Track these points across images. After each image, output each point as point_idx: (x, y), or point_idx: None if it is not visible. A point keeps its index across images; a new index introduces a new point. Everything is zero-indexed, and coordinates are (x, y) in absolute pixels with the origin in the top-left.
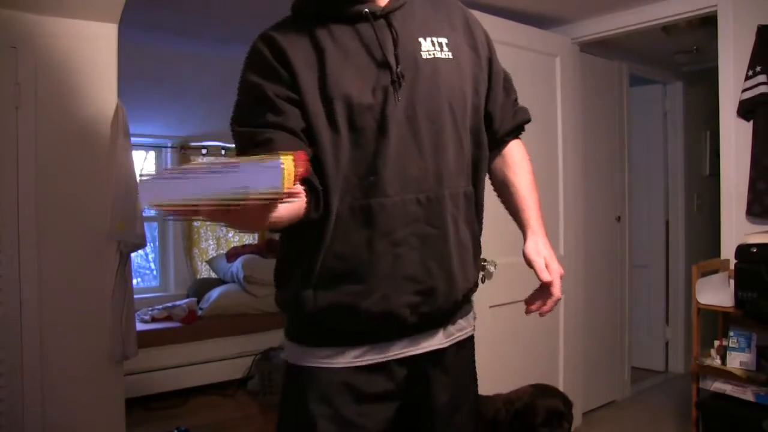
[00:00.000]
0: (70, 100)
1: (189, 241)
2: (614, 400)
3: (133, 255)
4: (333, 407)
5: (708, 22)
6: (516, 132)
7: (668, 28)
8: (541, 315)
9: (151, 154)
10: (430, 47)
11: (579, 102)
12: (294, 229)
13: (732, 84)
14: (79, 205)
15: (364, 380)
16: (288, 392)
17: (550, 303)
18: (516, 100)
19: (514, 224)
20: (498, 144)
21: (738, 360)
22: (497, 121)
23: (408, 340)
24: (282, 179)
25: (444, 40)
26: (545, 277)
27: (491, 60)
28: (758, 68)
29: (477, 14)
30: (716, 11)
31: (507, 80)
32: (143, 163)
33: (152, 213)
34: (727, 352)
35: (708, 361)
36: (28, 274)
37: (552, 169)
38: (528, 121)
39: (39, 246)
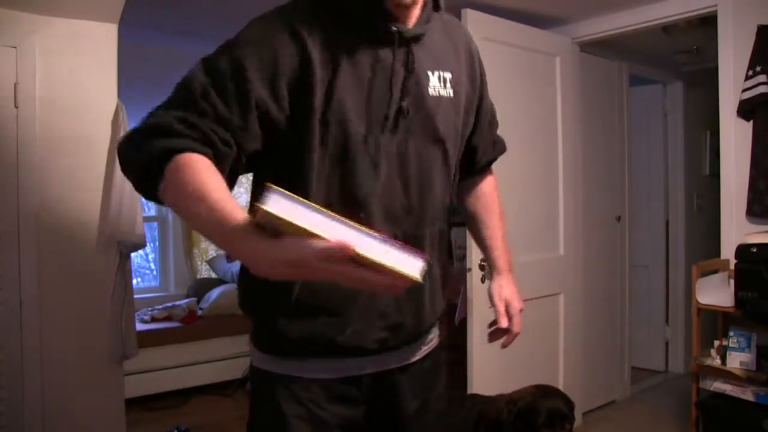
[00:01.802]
0: (70, 100)
1: (189, 241)
2: (614, 400)
3: (133, 255)
4: (306, 407)
5: (708, 22)
6: (491, 163)
7: (668, 28)
8: (502, 347)
9: None
10: (436, 83)
11: (579, 102)
12: None
13: (732, 84)
14: (80, 206)
15: (334, 385)
16: (258, 392)
17: (508, 338)
18: (496, 131)
19: (514, 225)
20: (473, 174)
21: (738, 360)
22: (479, 153)
23: (375, 363)
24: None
25: (448, 76)
26: (503, 323)
27: (483, 94)
28: (758, 68)
29: (477, 14)
30: (716, 11)
31: (493, 113)
32: None
33: (151, 212)
34: (727, 352)
35: (708, 361)
36: (28, 274)
37: (552, 169)
38: (504, 152)
39: (39, 246)
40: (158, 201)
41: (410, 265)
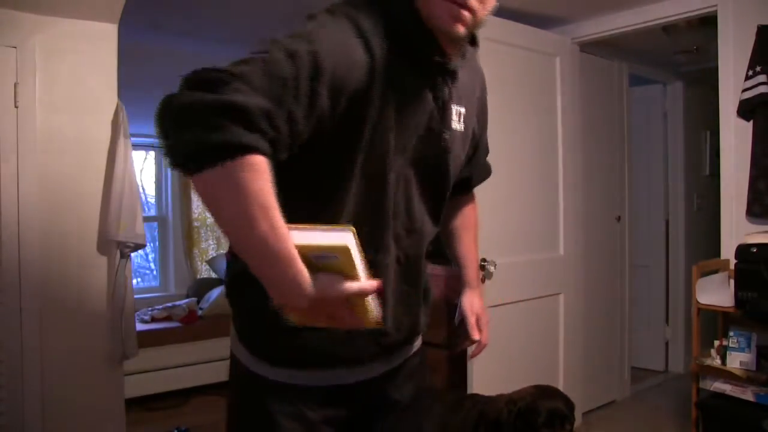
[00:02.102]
0: (70, 100)
1: (189, 241)
2: (614, 400)
3: (133, 255)
4: (295, 406)
5: (708, 22)
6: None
7: (668, 28)
8: (470, 358)
9: (151, 154)
10: (455, 117)
11: (579, 102)
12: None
13: (732, 84)
14: (80, 205)
15: (323, 391)
16: (242, 390)
17: (477, 349)
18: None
19: (514, 225)
20: (459, 195)
21: (738, 360)
22: (472, 181)
23: (366, 371)
24: None
25: (463, 110)
26: (475, 336)
27: (484, 128)
28: (758, 68)
29: None
30: (716, 11)
31: (486, 143)
32: (143, 163)
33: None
34: (727, 352)
35: (708, 361)
36: (29, 274)
37: (552, 169)
38: (489, 176)
39: (39, 246)
40: (184, 173)
41: (374, 310)
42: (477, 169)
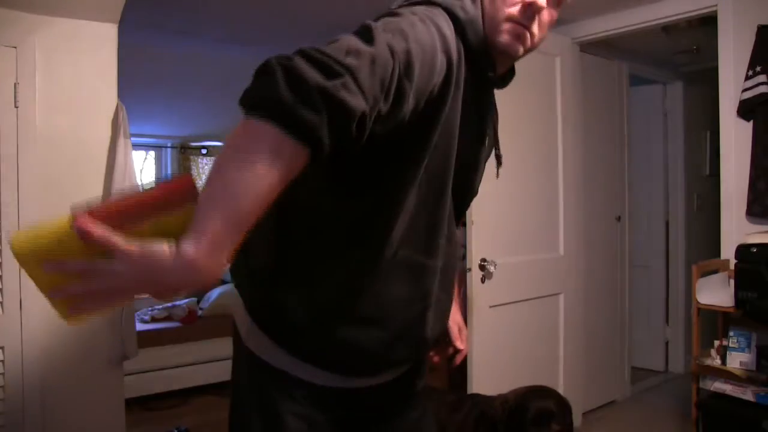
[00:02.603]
0: (70, 100)
1: None
2: (614, 400)
3: None
4: (303, 406)
5: (708, 22)
6: None
7: (668, 28)
8: (454, 366)
9: (151, 154)
10: (487, 134)
11: (579, 102)
12: (331, 250)
13: (732, 84)
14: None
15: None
16: (248, 378)
17: (459, 358)
18: None
19: (514, 225)
20: None
21: (738, 360)
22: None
23: (385, 377)
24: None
25: (490, 132)
26: (459, 345)
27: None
28: (758, 68)
29: None
30: (716, 11)
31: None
32: (143, 163)
33: None
34: (727, 352)
35: (708, 361)
36: None
37: (552, 169)
38: None
39: None
40: (247, 109)
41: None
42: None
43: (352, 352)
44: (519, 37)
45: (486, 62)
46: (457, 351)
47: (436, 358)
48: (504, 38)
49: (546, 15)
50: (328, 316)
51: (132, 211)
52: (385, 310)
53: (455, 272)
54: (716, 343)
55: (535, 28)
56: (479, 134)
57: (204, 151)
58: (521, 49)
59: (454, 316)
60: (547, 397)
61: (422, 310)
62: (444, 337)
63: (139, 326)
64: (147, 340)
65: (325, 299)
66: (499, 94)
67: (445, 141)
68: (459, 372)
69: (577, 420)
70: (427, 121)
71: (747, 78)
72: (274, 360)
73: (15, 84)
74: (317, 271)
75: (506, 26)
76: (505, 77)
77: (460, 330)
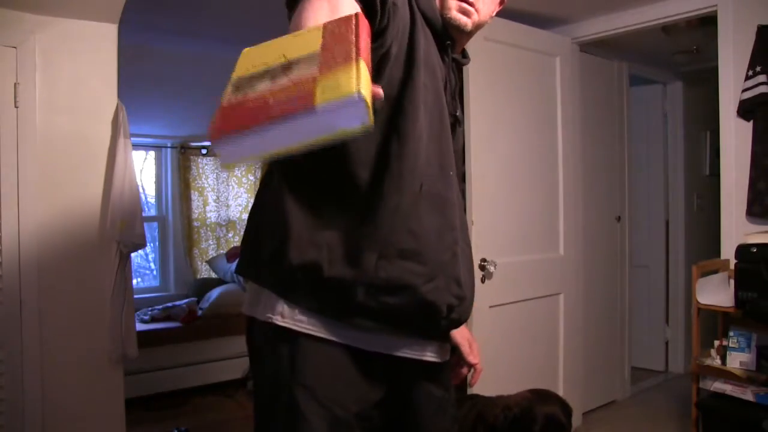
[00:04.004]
0: (70, 100)
1: (189, 241)
2: (614, 400)
3: (133, 255)
4: (328, 398)
5: (708, 22)
6: None
7: (668, 28)
8: (471, 385)
9: (151, 154)
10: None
11: (579, 102)
12: (374, 175)
13: (732, 84)
14: (80, 205)
15: (364, 376)
16: (270, 365)
17: (476, 377)
18: None
19: (514, 225)
20: None
21: (738, 360)
22: None
23: (417, 344)
24: (368, 112)
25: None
26: (473, 360)
27: None
28: (758, 68)
29: None
30: (716, 11)
31: None
32: (143, 163)
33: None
34: (727, 352)
35: (708, 361)
36: (28, 274)
37: (552, 169)
38: None
39: (39, 246)
40: None
41: (349, 116)
42: None
43: (400, 295)
44: (465, 12)
45: (444, 34)
46: (471, 368)
47: (455, 380)
48: (452, 14)
49: None
50: (369, 258)
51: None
52: (421, 242)
53: (467, 227)
54: (716, 343)
55: (479, 3)
56: (453, 98)
57: (204, 151)
58: (469, 23)
59: (462, 332)
60: (552, 403)
61: (452, 244)
62: (457, 359)
63: (139, 326)
64: (147, 340)
65: (362, 240)
66: (499, 95)
67: (431, 79)
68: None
69: (577, 420)
70: (410, 50)
71: (747, 78)
72: (295, 321)
73: (15, 84)
74: (348, 219)
75: (453, 3)
76: (466, 60)
77: (470, 344)
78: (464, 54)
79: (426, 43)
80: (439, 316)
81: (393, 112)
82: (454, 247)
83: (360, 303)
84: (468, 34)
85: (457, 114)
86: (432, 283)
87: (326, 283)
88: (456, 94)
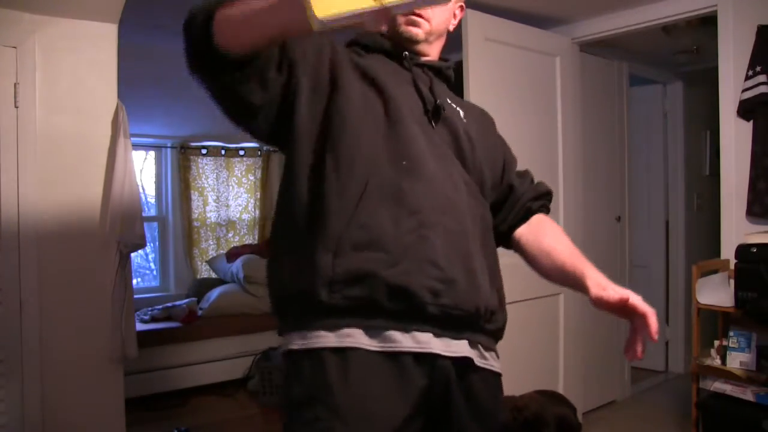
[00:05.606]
0: (70, 100)
1: (189, 241)
2: (614, 400)
3: (133, 255)
4: (341, 397)
5: (708, 22)
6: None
7: (668, 28)
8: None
9: (151, 154)
10: (453, 107)
11: (579, 102)
12: (313, 194)
13: (732, 84)
14: (79, 205)
15: (383, 374)
16: (291, 386)
17: (653, 323)
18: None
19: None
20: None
21: (738, 360)
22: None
23: (432, 334)
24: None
25: (461, 112)
26: (611, 294)
27: (505, 157)
28: (758, 68)
29: (477, 14)
30: (716, 11)
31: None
32: (143, 163)
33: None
34: (727, 352)
35: (708, 361)
36: (28, 274)
37: (552, 169)
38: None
39: (39, 246)
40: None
41: None
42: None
43: (362, 285)
44: (413, 23)
45: (398, 47)
46: (625, 303)
47: (628, 355)
48: (401, 28)
49: None
50: (320, 254)
51: None
52: (375, 232)
53: (464, 209)
54: (716, 343)
55: (427, 13)
56: (423, 100)
57: (204, 151)
58: (420, 32)
59: (599, 281)
60: (562, 405)
61: (416, 227)
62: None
63: (139, 326)
64: (147, 340)
65: (316, 248)
66: (499, 94)
67: (375, 88)
68: None
69: None
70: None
71: (747, 78)
72: (306, 341)
73: (15, 84)
74: (293, 215)
75: (402, 19)
76: (442, 63)
77: (602, 287)
78: (442, 58)
79: (368, 61)
80: (421, 301)
81: (320, 131)
82: (420, 230)
83: (324, 302)
84: (428, 42)
85: (438, 102)
86: (396, 268)
87: (295, 298)
88: (434, 87)
